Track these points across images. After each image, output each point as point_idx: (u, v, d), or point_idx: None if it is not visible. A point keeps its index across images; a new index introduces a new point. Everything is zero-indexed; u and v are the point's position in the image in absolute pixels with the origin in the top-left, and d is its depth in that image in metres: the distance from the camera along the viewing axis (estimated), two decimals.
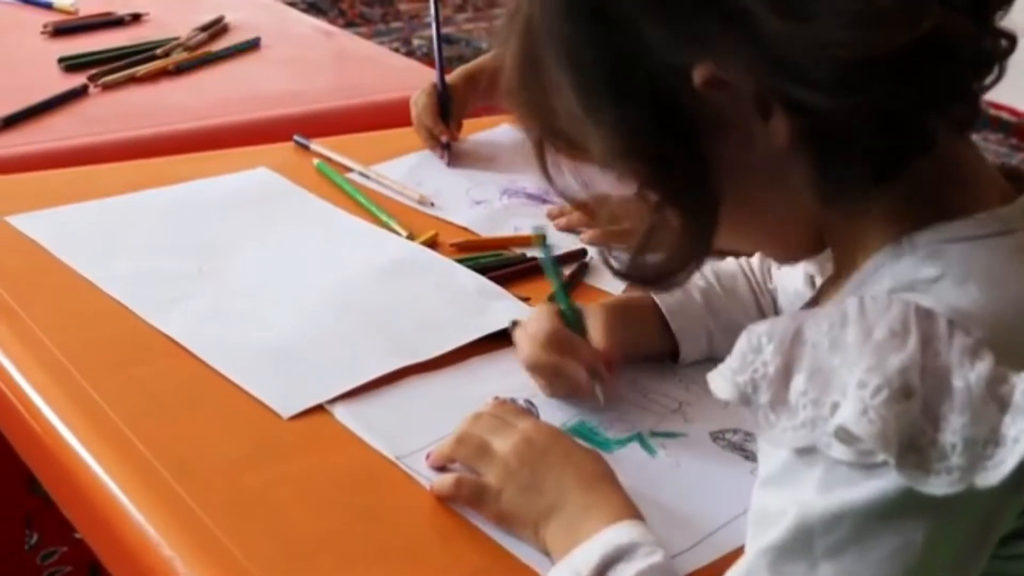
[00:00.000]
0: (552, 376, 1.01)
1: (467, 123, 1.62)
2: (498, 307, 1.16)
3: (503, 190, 1.44)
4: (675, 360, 1.07)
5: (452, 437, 0.92)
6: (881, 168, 0.68)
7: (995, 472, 0.60)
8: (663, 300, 1.06)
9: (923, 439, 0.60)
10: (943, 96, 0.66)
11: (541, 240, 1.14)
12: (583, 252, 1.30)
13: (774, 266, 1.09)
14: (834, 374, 0.62)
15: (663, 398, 1.04)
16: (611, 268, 0.78)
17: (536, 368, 1.01)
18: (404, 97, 1.75)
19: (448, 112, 1.49)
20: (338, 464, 0.93)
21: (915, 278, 0.66)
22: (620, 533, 0.81)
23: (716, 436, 1.00)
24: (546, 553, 0.85)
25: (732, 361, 0.66)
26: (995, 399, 0.60)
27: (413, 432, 0.97)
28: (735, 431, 1.00)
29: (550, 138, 0.77)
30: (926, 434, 0.60)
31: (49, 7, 1.92)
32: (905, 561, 0.62)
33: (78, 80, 1.65)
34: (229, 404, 0.99)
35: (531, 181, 1.46)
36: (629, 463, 0.95)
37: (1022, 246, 0.69)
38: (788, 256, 0.82)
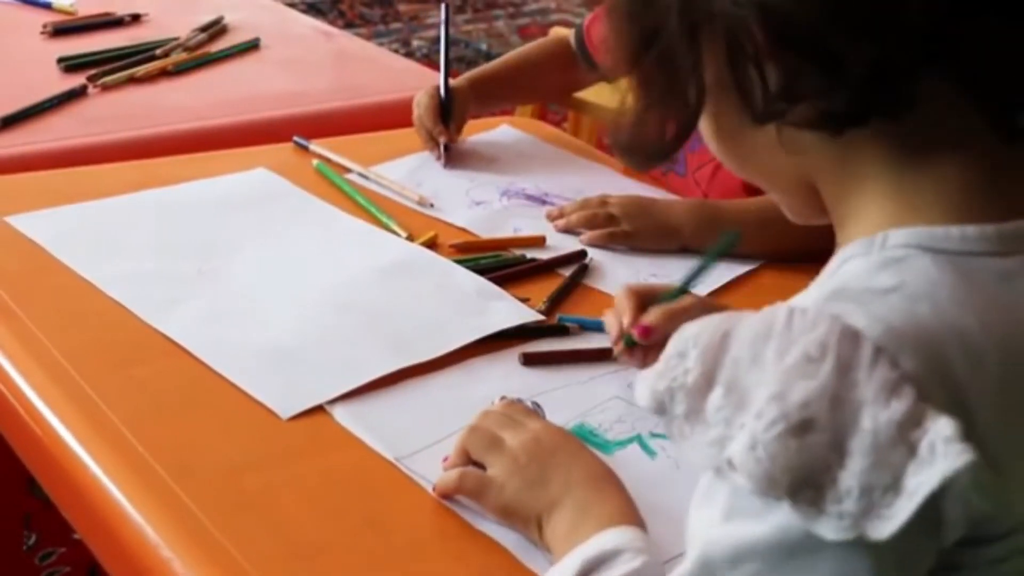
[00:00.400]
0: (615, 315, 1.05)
1: (473, 124, 1.63)
2: (497, 308, 1.16)
3: (502, 191, 1.44)
4: None
5: (464, 430, 0.92)
6: (828, 111, 0.62)
7: (887, 523, 0.55)
8: None
9: (825, 475, 0.55)
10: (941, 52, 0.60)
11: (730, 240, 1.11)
12: (583, 253, 1.29)
13: None
14: (748, 394, 0.58)
15: None
16: (612, 144, 0.77)
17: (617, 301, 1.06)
18: (404, 98, 1.75)
19: (449, 115, 1.49)
20: (338, 465, 0.93)
21: (868, 285, 0.60)
22: (607, 539, 0.81)
23: None
24: (546, 548, 0.85)
25: (658, 365, 0.61)
26: (905, 443, 0.55)
27: (412, 433, 0.97)
28: None
29: None
30: (830, 470, 0.55)
31: (48, 7, 1.91)
32: None
33: (77, 80, 1.64)
34: (229, 405, 0.99)
35: (530, 182, 1.46)
36: (629, 464, 0.95)
37: (1013, 272, 0.62)
38: (791, 209, 0.75)
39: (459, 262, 1.24)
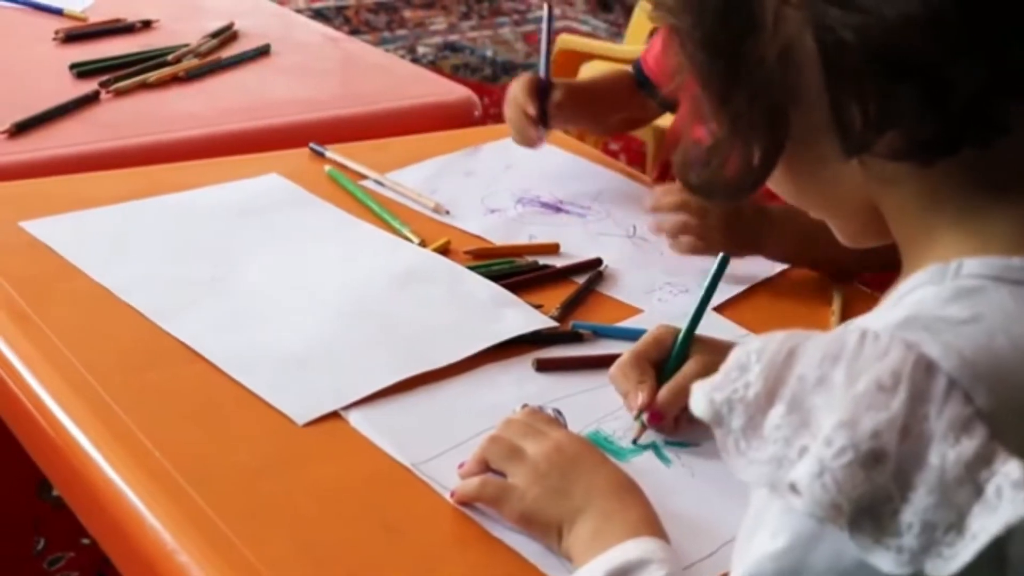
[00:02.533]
0: (622, 395, 1.02)
1: (483, 131, 1.63)
2: (511, 314, 1.16)
3: (517, 199, 1.44)
4: None
5: (484, 439, 0.92)
6: (919, 140, 0.61)
7: (948, 563, 0.54)
8: None
9: (886, 507, 0.55)
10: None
11: (723, 263, 1.08)
12: (598, 261, 1.30)
13: None
14: (812, 415, 0.56)
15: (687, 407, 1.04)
16: (680, 179, 0.73)
17: (612, 382, 1.03)
18: (416, 105, 1.77)
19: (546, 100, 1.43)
20: (355, 471, 0.93)
21: (941, 314, 0.59)
22: (632, 549, 0.81)
23: None
24: (565, 557, 0.85)
25: (717, 376, 0.60)
26: (972, 483, 0.54)
27: (427, 440, 0.97)
28: None
29: None
30: (892, 501, 0.54)
31: (60, 14, 1.91)
32: None
33: (90, 86, 1.64)
34: (245, 410, 0.99)
35: (545, 189, 1.46)
36: (644, 472, 0.95)
37: None
38: (848, 233, 0.73)
39: (472, 268, 1.24)
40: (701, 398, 0.60)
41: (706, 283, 1.07)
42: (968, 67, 0.58)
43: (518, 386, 1.06)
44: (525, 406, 0.97)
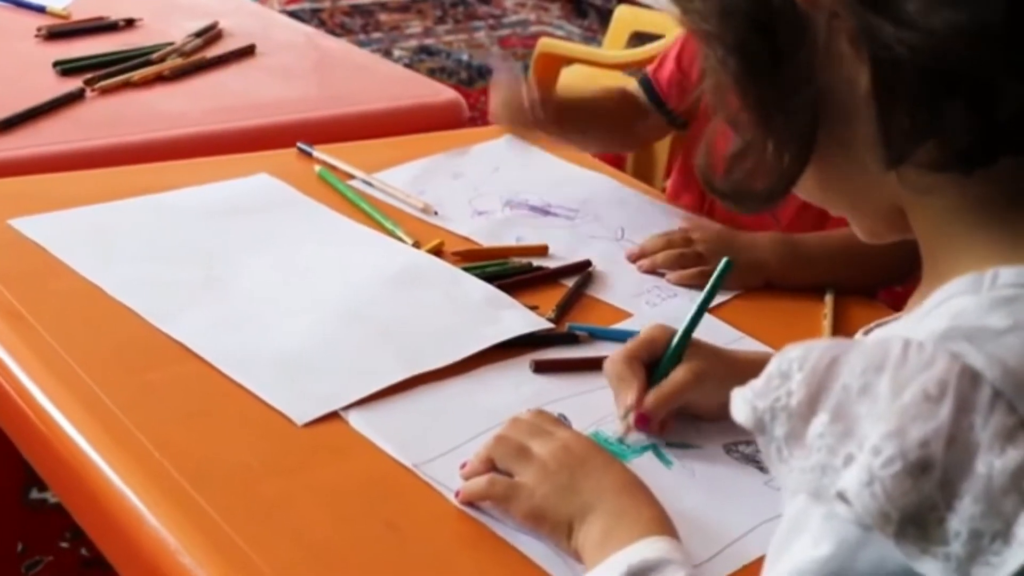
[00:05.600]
0: (614, 393, 1.02)
1: (470, 133, 1.63)
2: (508, 316, 1.16)
3: (505, 201, 1.44)
4: None
5: (489, 439, 0.92)
6: (961, 150, 0.61)
7: (995, 571, 0.55)
8: None
9: (931, 515, 0.55)
10: None
11: (725, 266, 1.07)
12: (587, 263, 1.30)
13: None
14: (856, 424, 0.57)
15: (681, 410, 1.04)
16: (705, 183, 0.72)
17: (605, 373, 1.03)
18: (401, 106, 1.77)
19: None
20: (357, 471, 0.93)
21: (980, 324, 0.59)
22: (649, 547, 0.81)
23: (729, 448, 1.00)
24: (573, 555, 0.85)
25: (757, 383, 0.61)
26: (1018, 491, 0.55)
27: (428, 440, 0.97)
28: (748, 443, 1.00)
29: None
30: (937, 510, 0.55)
31: (42, 11, 1.90)
32: None
33: (73, 84, 1.63)
34: (245, 410, 0.98)
35: (533, 192, 1.46)
36: (644, 473, 0.94)
37: None
38: (868, 231, 0.73)
39: (466, 270, 1.24)
40: (743, 405, 0.61)
41: (707, 287, 1.07)
42: (1016, 78, 0.59)
43: (516, 388, 1.05)
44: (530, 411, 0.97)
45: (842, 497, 0.56)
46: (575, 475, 0.87)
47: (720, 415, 0.95)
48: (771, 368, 0.61)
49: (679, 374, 1.01)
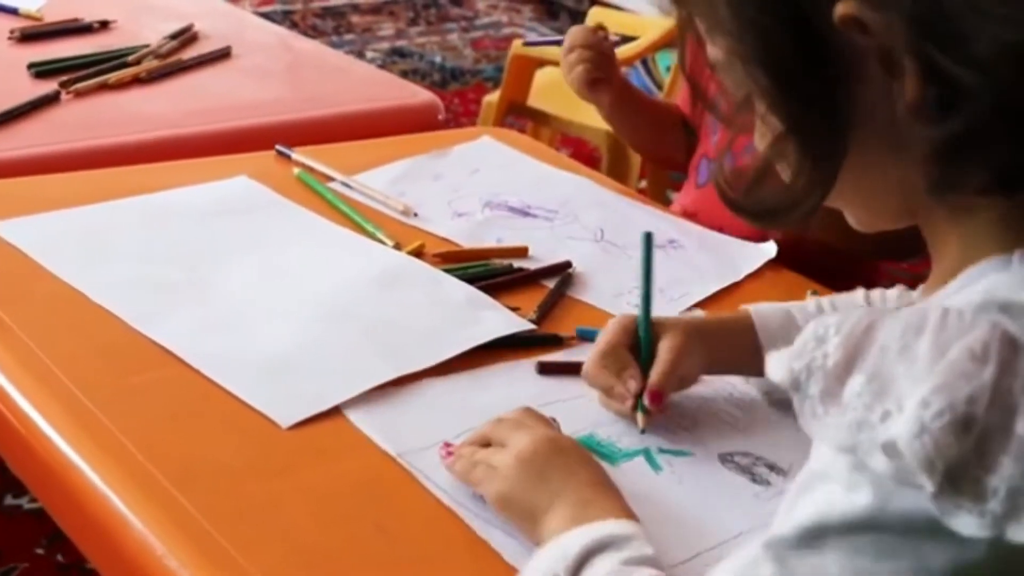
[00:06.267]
0: (605, 392, 1.02)
1: (448, 134, 1.63)
2: (489, 317, 1.16)
3: (485, 202, 1.44)
4: None
5: (474, 434, 0.93)
6: (1006, 176, 0.64)
7: None
8: (761, 320, 1.06)
9: (966, 474, 0.57)
10: None
11: (646, 240, 1.06)
12: (567, 264, 1.30)
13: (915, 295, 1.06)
14: (894, 382, 0.59)
15: (678, 416, 1.04)
16: (726, 200, 0.74)
17: (589, 381, 1.03)
18: (379, 108, 1.76)
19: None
20: (345, 473, 0.93)
21: (1012, 299, 0.62)
22: (616, 525, 0.82)
23: (725, 458, 1.00)
24: (536, 543, 0.85)
25: (794, 346, 0.63)
26: None
27: (415, 432, 0.97)
28: (745, 454, 1.00)
29: (689, 30, 0.73)
30: (970, 470, 0.57)
31: (15, 13, 1.89)
32: None
33: (48, 87, 1.62)
34: (229, 413, 0.98)
35: (512, 194, 1.47)
36: (632, 475, 0.96)
37: None
38: (868, 221, 0.75)
39: (447, 271, 1.24)
40: (779, 365, 0.63)
41: (641, 264, 1.06)
42: None
43: (509, 387, 1.06)
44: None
45: (888, 449, 0.58)
46: (549, 463, 0.88)
47: (706, 373, 1.04)
48: (807, 333, 0.63)
49: (667, 346, 1.02)
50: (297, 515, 0.88)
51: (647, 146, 1.76)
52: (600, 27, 1.54)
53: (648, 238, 1.06)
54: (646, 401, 1.00)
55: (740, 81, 0.69)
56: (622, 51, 2.13)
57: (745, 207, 0.73)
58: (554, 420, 0.97)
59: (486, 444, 0.93)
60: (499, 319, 1.16)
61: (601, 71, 1.52)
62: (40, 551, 1.82)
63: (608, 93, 1.54)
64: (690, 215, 1.52)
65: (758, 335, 1.05)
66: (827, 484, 0.62)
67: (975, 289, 0.64)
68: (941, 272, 0.69)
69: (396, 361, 1.06)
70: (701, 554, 0.88)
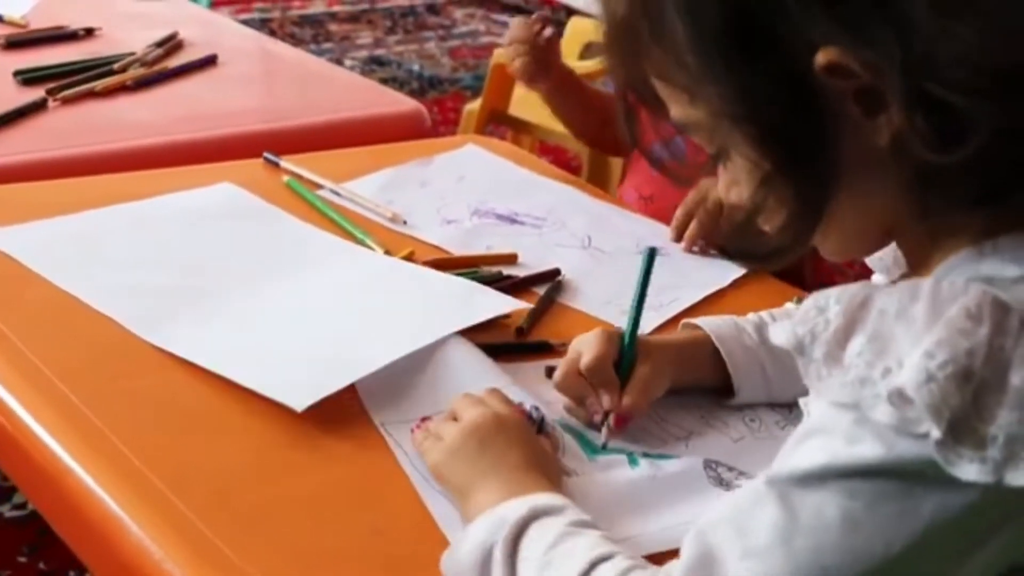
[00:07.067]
0: (575, 400, 1.04)
1: (433, 143, 1.64)
2: (482, 299, 1.18)
3: (473, 210, 1.45)
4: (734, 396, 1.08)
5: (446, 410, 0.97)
6: (989, 190, 0.67)
7: None
8: (718, 336, 1.08)
9: (964, 424, 0.61)
10: None
11: (648, 257, 1.07)
12: (556, 272, 1.31)
13: None
14: (893, 341, 0.63)
15: (675, 428, 1.05)
16: (717, 247, 0.77)
17: (562, 389, 1.04)
18: (364, 116, 1.77)
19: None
20: (342, 478, 0.93)
21: (995, 275, 0.66)
22: (549, 497, 0.84)
23: (708, 465, 1.00)
24: (466, 517, 0.87)
25: (796, 315, 0.67)
26: None
27: (400, 405, 1.01)
28: (731, 468, 1.00)
29: (636, 89, 0.75)
30: (969, 420, 0.61)
31: None
32: (910, 525, 0.64)
33: (35, 94, 1.62)
34: (226, 417, 0.98)
35: (500, 201, 1.48)
36: (609, 468, 0.97)
37: None
38: (841, 250, 0.78)
39: None
40: (783, 331, 0.67)
41: (638, 281, 1.07)
42: None
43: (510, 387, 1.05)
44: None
45: (895, 398, 0.62)
46: (483, 444, 0.90)
47: (674, 389, 1.06)
48: (808, 304, 0.67)
49: (644, 371, 1.03)
50: (294, 519, 0.89)
51: (590, 134, 1.79)
52: (543, 19, 1.57)
53: (651, 254, 1.07)
54: (611, 422, 1.01)
55: (715, 137, 0.72)
56: (595, 63, 2.14)
57: (739, 255, 0.77)
58: (536, 408, 0.98)
59: (444, 415, 0.96)
60: (493, 299, 1.18)
61: (538, 63, 1.57)
62: (23, 559, 1.82)
63: (546, 83, 1.60)
64: (646, 199, 1.56)
65: (714, 345, 1.07)
66: (825, 436, 0.66)
67: (957, 273, 0.68)
68: (913, 269, 0.74)
69: (398, 342, 1.07)
70: (649, 533, 0.89)
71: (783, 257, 0.74)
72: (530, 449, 0.92)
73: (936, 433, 0.61)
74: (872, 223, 0.73)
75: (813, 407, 0.69)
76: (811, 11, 0.64)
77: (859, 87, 0.65)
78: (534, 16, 1.57)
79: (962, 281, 0.65)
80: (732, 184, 0.74)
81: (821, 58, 0.65)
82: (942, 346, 0.62)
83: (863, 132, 0.67)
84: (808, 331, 0.66)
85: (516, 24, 1.58)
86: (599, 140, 1.80)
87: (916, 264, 0.74)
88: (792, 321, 0.67)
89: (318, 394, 0.99)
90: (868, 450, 0.64)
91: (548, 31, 1.56)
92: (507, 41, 1.59)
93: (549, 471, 0.91)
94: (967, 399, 0.61)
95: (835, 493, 0.65)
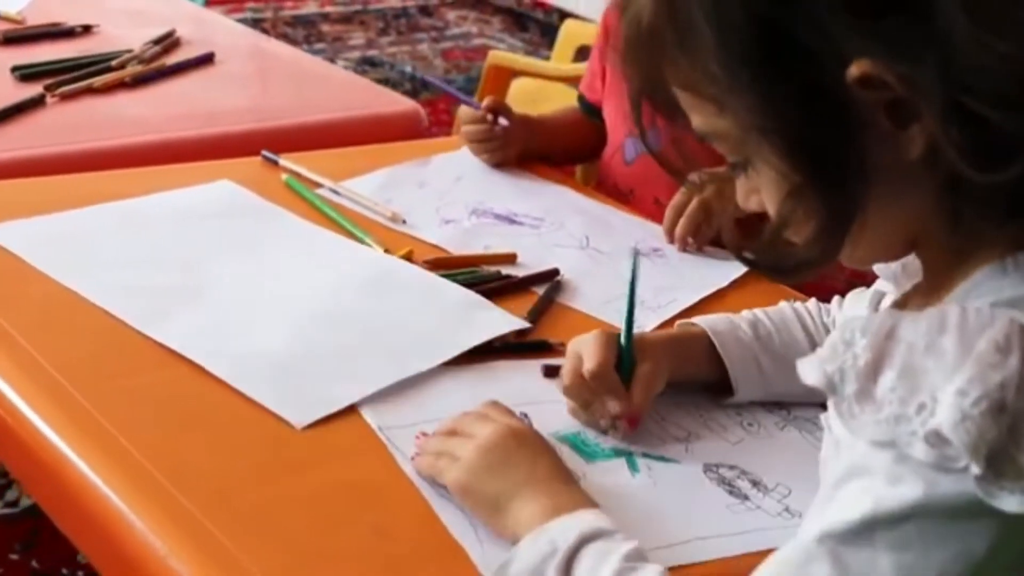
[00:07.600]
0: (582, 406, 1.03)
1: (431, 143, 1.64)
2: (485, 316, 1.17)
3: (471, 210, 1.46)
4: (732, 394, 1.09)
5: (440, 426, 0.96)
6: (1021, 203, 0.67)
7: None
8: (713, 331, 1.08)
9: (1003, 456, 0.61)
10: None
11: (635, 259, 1.07)
12: (555, 271, 1.31)
13: (835, 298, 1.10)
14: (925, 376, 0.63)
15: (675, 427, 1.05)
16: (744, 260, 0.76)
17: (571, 395, 1.04)
18: (362, 115, 1.77)
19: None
20: (344, 477, 0.94)
21: (1017, 295, 0.66)
22: (597, 517, 0.84)
23: (709, 468, 1.00)
24: (502, 534, 0.87)
25: (823, 351, 0.67)
26: None
27: (401, 410, 1.01)
28: (732, 467, 1.00)
29: (653, 96, 0.74)
30: (1007, 451, 0.61)
31: None
32: (967, 564, 0.64)
33: (33, 90, 1.62)
34: (230, 415, 0.99)
35: (498, 202, 1.48)
36: (608, 473, 0.97)
37: None
38: (868, 259, 0.78)
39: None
40: (812, 369, 0.67)
41: (629, 283, 1.06)
42: None
43: (508, 384, 1.07)
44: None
45: (931, 438, 0.62)
46: (510, 454, 0.90)
47: (671, 383, 1.05)
48: (834, 337, 0.67)
49: (644, 371, 1.03)
50: (297, 517, 0.89)
51: (568, 160, 1.81)
52: (491, 109, 1.57)
53: (635, 255, 1.07)
54: (624, 425, 1.01)
55: (741, 148, 0.72)
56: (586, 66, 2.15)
57: (760, 263, 0.76)
58: (525, 415, 0.98)
59: (448, 433, 0.95)
60: (496, 318, 1.17)
61: (504, 150, 1.57)
62: (15, 556, 1.81)
63: (516, 156, 1.59)
64: (625, 194, 1.57)
65: (710, 340, 1.08)
66: (866, 478, 0.65)
67: (979, 294, 0.68)
68: (934, 278, 0.73)
69: (400, 363, 1.07)
70: (657, 549, 0.88)
71: (812, 269, 0.73)
72: (555, 458, 0.92)
73: (976, 469, 0.61)
74: (900, 233, 0.73)
75: (846, 448, 0.68)
76: (845, 24, 0.64)
77: (891, 99, 0.65)
78: (484, 105, 1.56)
79: (988, 309, 0.65)
80: (752, 192, 0.74)
81: (855, 70, 0.64)
82: (974, 383, 0.62)
83: (893, 144, 0.67)
84: (837, 368, 0.66)
85: (466, 118, 1.57)
86: (577, 156, 1.82)
87: (936, 275, 0.74)
88: (819, 358, 0.67)
89: (318, 413, 0.99)
90: (910, 491, 0.64)
91: (502, 122, 1.56)
92: (461, 134, 1.60)
93: (571, 473, 0.92)
94: (1003, 431, 0.61)
95: (886, 547, 0.64)
